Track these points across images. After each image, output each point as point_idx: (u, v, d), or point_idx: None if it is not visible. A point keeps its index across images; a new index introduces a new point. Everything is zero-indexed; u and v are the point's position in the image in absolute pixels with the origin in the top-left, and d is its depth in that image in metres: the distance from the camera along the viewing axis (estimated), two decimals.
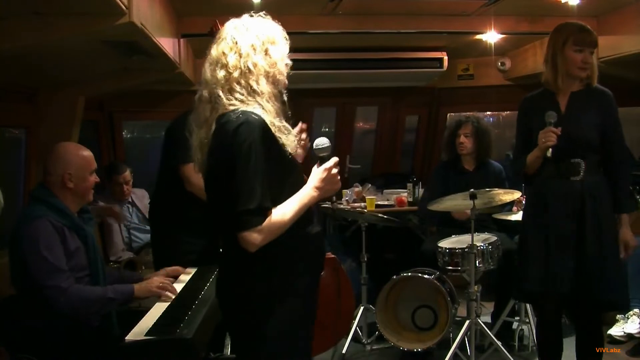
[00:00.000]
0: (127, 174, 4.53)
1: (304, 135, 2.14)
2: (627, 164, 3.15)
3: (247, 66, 1.95)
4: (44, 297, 2.48)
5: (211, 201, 2.06)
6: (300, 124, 2.03)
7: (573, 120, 2.92)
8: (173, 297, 2.65)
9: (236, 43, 1.97)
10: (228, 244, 2.02)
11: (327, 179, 2.01)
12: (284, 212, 1.92)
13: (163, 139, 3.49)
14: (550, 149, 2.86)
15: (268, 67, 1.99)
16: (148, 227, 4.42)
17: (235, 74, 1.95)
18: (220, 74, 1.96)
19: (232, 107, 1.93)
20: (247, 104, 1.94)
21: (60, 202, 2.66)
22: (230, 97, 1.94)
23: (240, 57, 1.96)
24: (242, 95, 1.95)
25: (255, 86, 1.96)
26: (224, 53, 1.97)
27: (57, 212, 2.61)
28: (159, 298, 2.65)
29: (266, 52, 1.99)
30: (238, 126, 1.86)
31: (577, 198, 2.90)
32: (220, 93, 1.95)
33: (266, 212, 1.87)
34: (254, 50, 1.97)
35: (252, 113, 1.90)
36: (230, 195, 1.87)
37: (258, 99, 1.96)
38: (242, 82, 1.95)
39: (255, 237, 1.86)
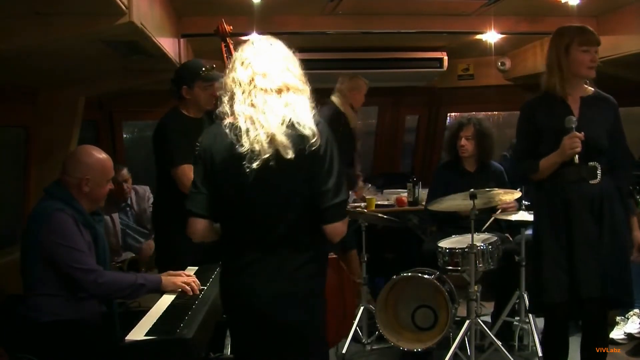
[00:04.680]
0: (125, 172, 4.42)
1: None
2: (631, 168, 3.20)
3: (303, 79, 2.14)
4: (78, 281, 2.57)
5: (263, 200, 2.05)
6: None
7: (588, 125, 2.93)
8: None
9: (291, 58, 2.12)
10: (297, 243, 2.08)
11: None
12: None
13: (152, 143, 3.43)
14: (577, 154, 2.88)
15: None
16: (144, 230, 4.43)
17: (301, 83, 2.08)
18: (292, 78, 2.06)
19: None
20: None
21: (76, 200, 2.72)
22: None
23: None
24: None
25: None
26: (287, 65, 2.08)
27: (72, 208, 2.68)
28: (160, 297, 2.66)
29: None
30: (316, 125, 2.01)
31: (597, 201, 2.92)
32: (293, 94, 2.05)
33: None
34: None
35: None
36: (306, 190, 2.00)
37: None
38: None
39: (344, 227, 2.04)
